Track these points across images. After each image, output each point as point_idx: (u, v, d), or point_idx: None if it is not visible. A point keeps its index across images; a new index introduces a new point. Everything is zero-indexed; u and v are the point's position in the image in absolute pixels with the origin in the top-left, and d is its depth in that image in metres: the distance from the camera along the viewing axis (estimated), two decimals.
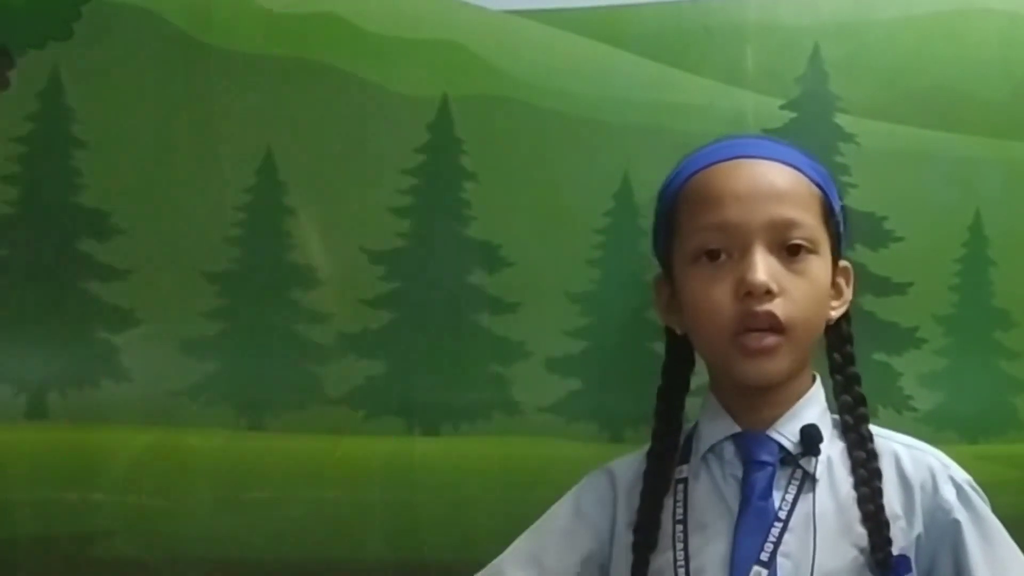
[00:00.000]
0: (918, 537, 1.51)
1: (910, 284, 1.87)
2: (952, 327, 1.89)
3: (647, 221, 1.74)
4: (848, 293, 1.60)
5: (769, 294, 1.48)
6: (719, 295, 1.50)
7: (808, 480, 1.51)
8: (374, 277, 1.86)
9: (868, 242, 1.84)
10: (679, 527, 1.53)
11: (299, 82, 1.86)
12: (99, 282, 1.85)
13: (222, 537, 1.84)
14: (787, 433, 1.54)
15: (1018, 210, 1.89)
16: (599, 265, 1.87)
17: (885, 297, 1.86)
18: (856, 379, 1.59)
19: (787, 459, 1.53)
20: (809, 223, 1.52)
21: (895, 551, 1.48)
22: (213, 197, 1.86)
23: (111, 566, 1.83)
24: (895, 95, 1.88)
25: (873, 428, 1.58)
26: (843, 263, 1.60)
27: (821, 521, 1.49)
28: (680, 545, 1.52)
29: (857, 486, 1.51)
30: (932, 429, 1.77)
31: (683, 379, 1.64)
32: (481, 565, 1.63)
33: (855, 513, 1.50)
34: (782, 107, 1.87)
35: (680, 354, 1.64)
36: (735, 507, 1.52)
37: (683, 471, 1.57)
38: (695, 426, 1.61)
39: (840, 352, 1.60)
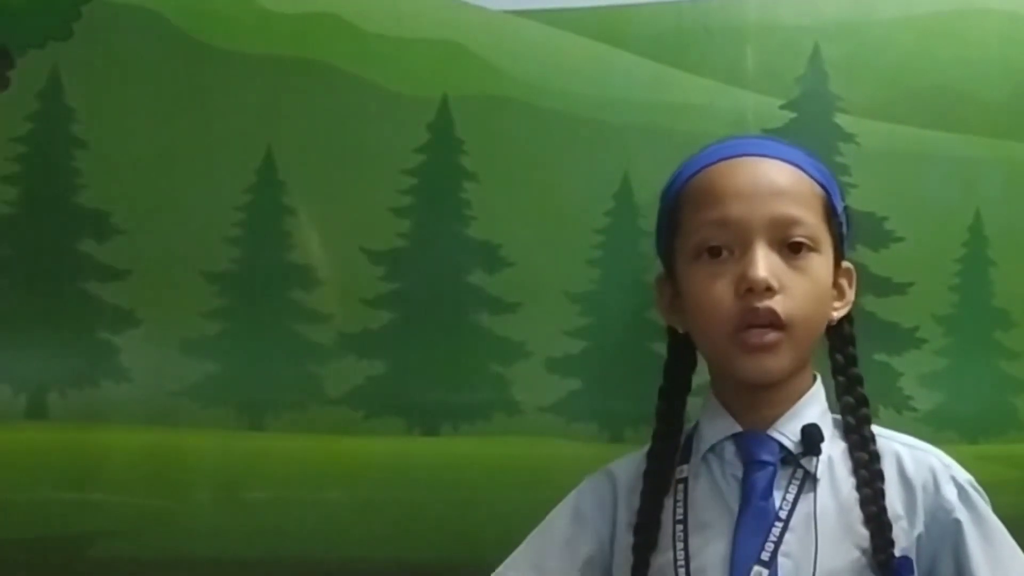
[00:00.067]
0: (919, 537, 1.50)
1: (910, 284, 1.87)
2: (952, 327, 1.88)
3: (647, 221, 1.73)
4: (850, 294, 1.59)
5: (770, 290, 1.47)
6: (720, 291, 1.49)
7: (809, 480, 1.50)
8: (374, 277, 1.86)
9: (868, 242, 1.83)
10: (679, 527, 1.52)
11: (299, 82, 1.85)
12: (99, 282, 1.84)
13: (222, 537, 1.83)
14: (788, 432, 1.52)
15: (1018, 210, 1.89)
16: (599, 265, 1.86)
17: (885, 297, 1.85)
18: (859, 380, 1.58)
19: (788, 459, 1.51)
20: (810, 221, 1.51)
21: (897, 552, 1.47)
22: (213, 197, 1.85)
23: (111, 567, 1.82)
24: (895, 95, 1.89)
25: (875, 428, 1.57)
26: (846, 264, 1.59)
27: (822, 521, 1.47)
28: (680, 545, 1.51)
29: (859, 487, 1.50)
30: (932, 429, 1.77)
31: (685, 379, 1.63)
32: (481, 566, 1.62)
33: (857, 513, 1.49)
34: (782, 107, 1.87)
35: (682, 354, 1.63)
36: (735, 507, 1.50)
37: (683, 471, 1.56)
38: (695, 426, 1.60)
39: (842, 353, 1.59)
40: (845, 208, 1.60)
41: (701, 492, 1.53)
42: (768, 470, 1.51)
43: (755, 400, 1.53)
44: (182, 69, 1.85)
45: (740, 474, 1.52)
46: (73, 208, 1.84)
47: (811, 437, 1.51)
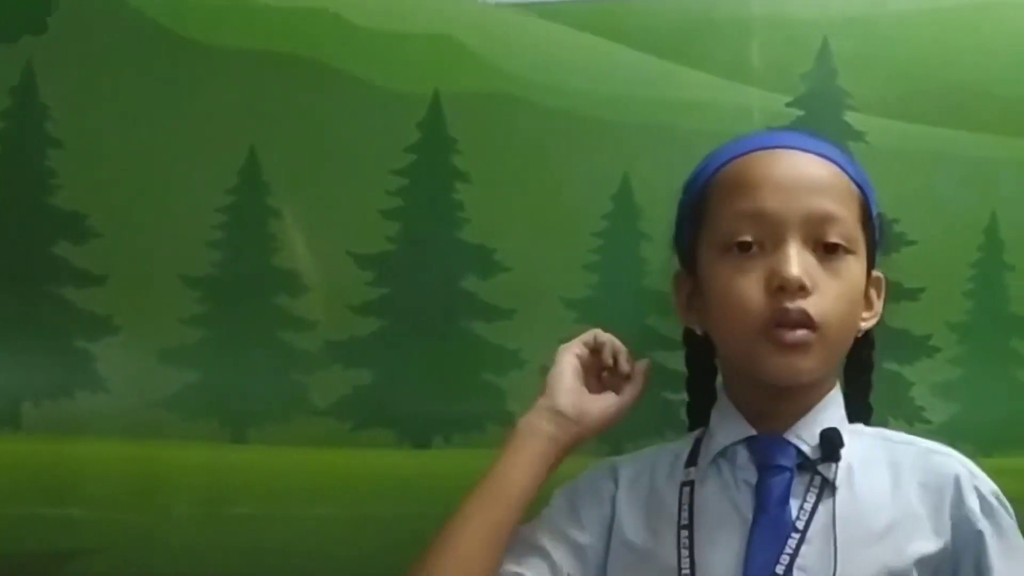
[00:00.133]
0: (944, 546, 1.44)
1: (923, 290, 1.83)
2: (966, 335, 1.84)
3: (648, 224, 1.73)
4: (878, 306, 1.54)
5: (803, 290, 1.41)
6: (749, 287, 1.43)
7: (827, 488, 1.45)
8: (362, 282, 1.83)
9: (880, 245, 1.77)
10: (684, 532, 1.46)
11: (283, 78, 1.84)
12: (74, 287, 1.83)
13: (204, 555, 1.81)
14: (806, 437, 1.47)
15: None
16: (597, 270, 1.83)
17: (896, 303, 1.78)
18: (868, 412, 1.57)
19: (805, 465, 1.46)
20: (848, 221, 1.46)
21: (916, 548, 1.42)
22: (194, 199, 1.83)
23: None
24: (907, 92, 1.85)
25: (897, 434, 1.54)
26: (876, 273, 1.53)
27: (842, 532, 1.41)
28: (685, 552, 1.45)
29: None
30: (946, 441, 1.69)
31: (710, 388, 1.58)
32: None
33: (877, 522, 1.43)
34: (789, 104, 1.84)
35: (702, 361, 1.59)
36: (748, 515, 1.45)
37: (690, 474, 1.51)
38: (705, 429, 1.55)
39: (856, 378, 1.57)
40: (879, 215, 1.55)
41: (710, 497, 1.48)
42: (784, 476, 1.45)
43: (772, 403, 1.48)
44: (161, 65, 1.84)
45: (753, 480, 1.46)
46: (48, 210, 1.83)
47: (831, 442, 1.46)
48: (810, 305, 1.41)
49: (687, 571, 1.43)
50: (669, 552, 1.46)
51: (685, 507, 1.48)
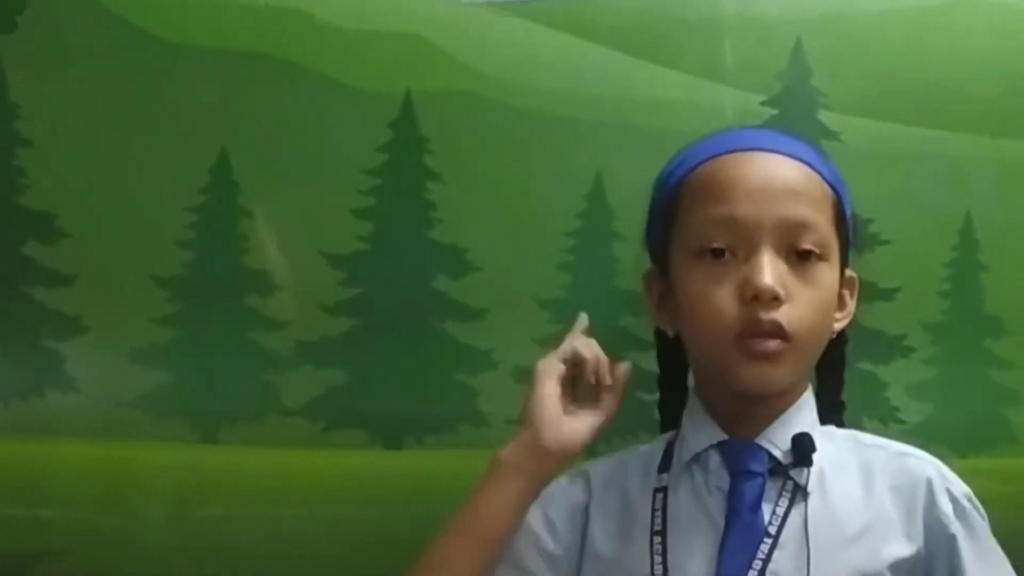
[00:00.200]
0: (918, 551, 1.42)
1: (897, 290, 1.84)
2: (941, 335, 1.86)
3: (621, 223, 1.72)
4: (851, 306, 1.52)
5: (776, 300, 1.39)
6: (722, 296, 1.40)
7: (799, 492, 1.42)
8: (334, 282, 1.82)
9: (855, 245, 1.76)
10: (657, 539, 1.44)
11: (254, 77, 1.83)
12: (44, 287, 1.81)
13: (175, 557, 1.79)
14: (778, 442, 1.44)
15: (1011, 212, 1.86)
16: (570, 270, 1.83)
17: (871, 304, 1.76)
18: (840, 408, 1.54)
19: (777, 470, 1.44)
20: (821, 226, 1.43)
21: (889, 552, 1.40)
22: (164, 198, 1.81)
23: None
24: (881, 91, 1.86)
25: (869, 437, 1.51)
26: (849, 273, 1.51)
27: (814, 536, 1.39)
28: (658, 559, 1.43)
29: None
30: (920, 442, 1.68)
31: (682, 385, 1.55)
32: None
33: (850, 526, 1.41)
34: (763, 103, 1.84)
35: (674, 359, 1.56)
36: (720, 520, 1.42)
37: (663, 480, 1.48)
38: (677, 433, 1.52)
39: (828, 376, 1.53)
40: (852, 214, 1.53)
41: (683, 503, 1.45)
42: (756, 481, 1.43)
43: (744, 408, 1.45)
44: (132, 64, 1.82)
45: (726, 486, 1.44)
46: (17, 209, 1.81)
47: (802, 447, 1.43)
48: (782, 315, 1.38)
49: None
50: (642, 558, 1.44)
51: (658, 513, 1.45)
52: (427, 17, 1.83)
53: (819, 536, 1.39)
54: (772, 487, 1.42)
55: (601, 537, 1.48)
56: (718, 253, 1.41)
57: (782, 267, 1.40)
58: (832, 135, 1.81)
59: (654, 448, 1.53)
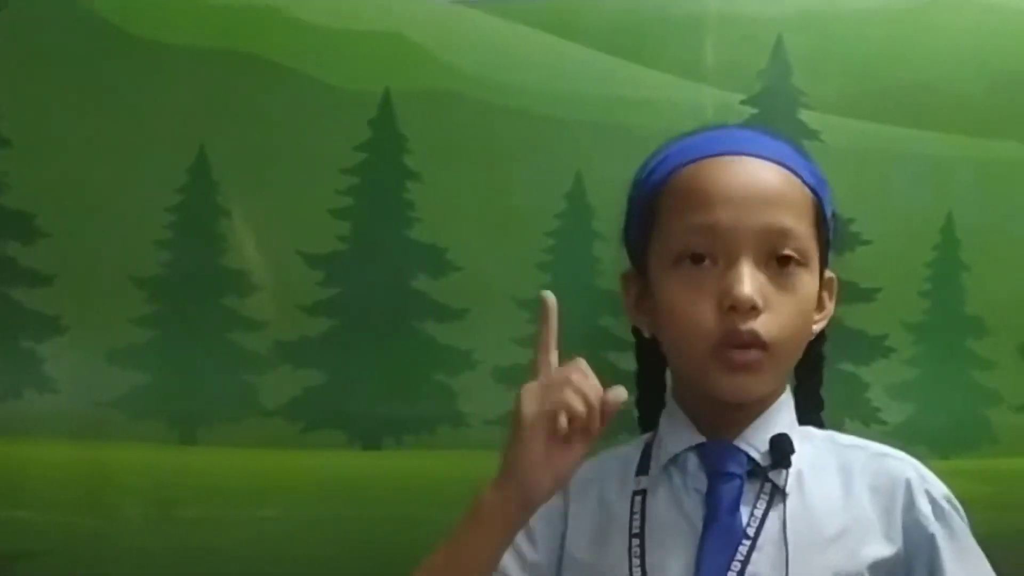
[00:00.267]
0: (897, 552, 1.40)
1: (878, 290, 1.84)
2: (922, 335, 1.86)
3: (601, 223, 1.72)
4: (830, 307, 1.50)
5: (754, 310, 1.37)
6: (701, 306, 1.38)
7: (778, 494, 1.40)
8: (312, 282, 1.82)
9: (835, 245, 1.75)
10: (635, 541, 1.41)
11: (234, 76, 1.82)
12: (22, 288, 1.80)
13: (153, 558, 1.78)
14: (756, 443, 1.42)
15: (992, 212, 1.87)
16: (550, 269, 1.82)
17: (852, 304, 1.80)
18: (820, 405, 1.51)
19: (755, 471, 1.41)
20: (802, 233, 1.41)
21: (868, 553, 1.38)
22: (143, 198, 1.80)
23: None
24: (863, 90, 1.86)
25: (848, 438, 1.48)
26: (828, 274, 1.49)
27: (793, 538, 1.37)
28: (637, 561, 1.40)
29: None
30: (901, 443, 1.66)
31: (660, 383, 1.53)
32: None
33: (829, 527, 1.39)
34: (743, 102, 1.84)
35: (652, 357, 1.53)
36: (698, 523, 1.40)
37: (641, 482, 1.45)
38: (655, 434, 1.50)
39: (807, 374, 1.50)
40: (833, 214, 1.50)
41: (661, 506, 1.43)
42: (735, 483, 1.41)
43: (722, 411, 1.43)
44: (111, 63, 1.81)
45: (703, 488, 1.42)
46: None
47: (781, 448, 1.41)
48: (761, 325, 1.36)
49: None
50: (620, 561, 1.41)
51: (636, 516, 1.43)
52: (406, 16, 1.82)
53: (798, 537, 1.37)
54: (750, 489, 1.40)
55: (579, 541, 1.46)
56: (698, 259, 1.39)
57: (761, 276, 1.38)
58: (812, 134, 1.81)
59: (631, 450, 1.51)
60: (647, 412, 1.54)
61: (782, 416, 1.45)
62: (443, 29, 1.82)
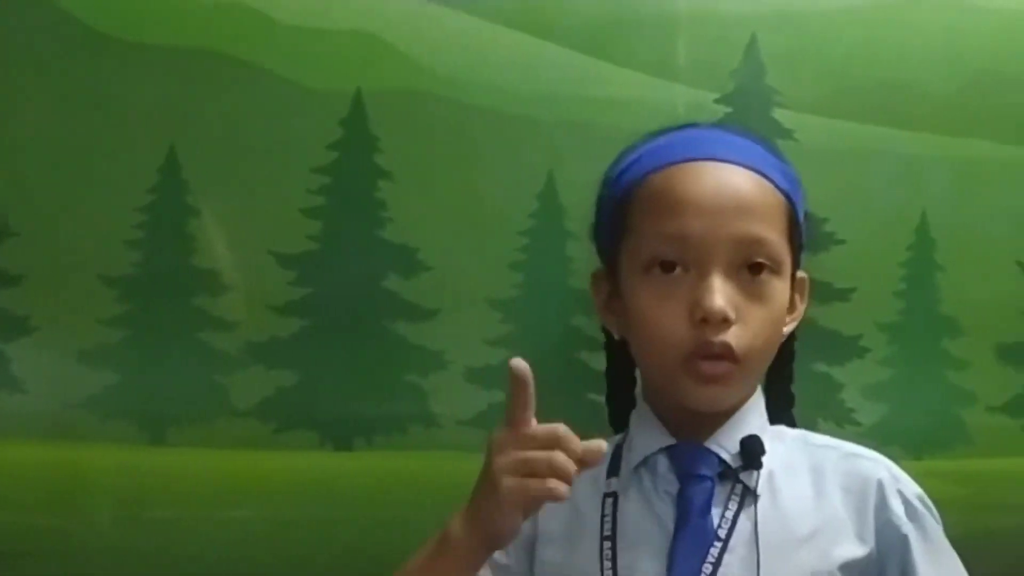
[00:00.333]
0: (870, 552, 1.41)
1: (852, 290, 1.84)
2: (897, 335, 1.86)
3: (573, 223, 1.70)
4: (801, 308, 1.51)
5: (726, 322, 1.37)
6: (672, 316, 1.39)
7: (749, 495, 1.41)
8: (283, 282, 1.80)
9: (808, 245, 1.74)
10: (607, 544, 1.42)
11: (204, 75, 1.80)
12: None
13: (124, 559, 1.77)
14: (727, 445, 1.43)
15: (967, 211, 1.86)
16: (522, 269, 1.81)
17: (826, 304, 1.80)
18: (791, 400, 1.52)
19: (726, 473, 1.42)
20: (774, 241, 1.41)
21: (841, 553, 1.39)
22: (113, 197, 1.78)
23: None
24: (837, 89, 1.85)
25: (820, 437, 1.50)
26: (800, 275, 1.49)
27: (764, 539, 1.38)
28: (608, 564, 1.41)
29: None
30: (875, 444, 1.67)
31: (630, 381, 1.54)
32: None
33: (801, 528, 1.40)
34: (716, 101, 1.83)
35: (622, 358, 1.54)
36: (670, 525, 1.40)
37: (612, 485, 1.46)
38: (625, 436, 1.50)
39: (779, 369, 1.51)
40: (806, 214, 1.51)
41: (632, 508, 1.44)
42: (706, 485, 1.41)
43: (692, 414, 1.44)
44: (80, 61, 1.79)
45: (674, 490, 1.42)
46: None
47: (751, 450, 1.42)
48: (732, 337, 1.37)
49: None
50: (592, 564, 1.42)
51: (608, 518, 1.44)
52: (379, 14, 1.80)
53: (769, 538, 1.38)
54: (721, 491, 1.41)
55: (550, 544, 1.47)
56: (669, 267, 1.39)
57: (733, 286, 1.38)
58: (786, 133, 1.80)
59: None
60: (617, 411, 1.54)
61: (753, 417, 1.45)
62: (415, 28, 1.80)
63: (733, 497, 1.40)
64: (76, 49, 1.78)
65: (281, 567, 1.78)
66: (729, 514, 1.39)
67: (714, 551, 1.37)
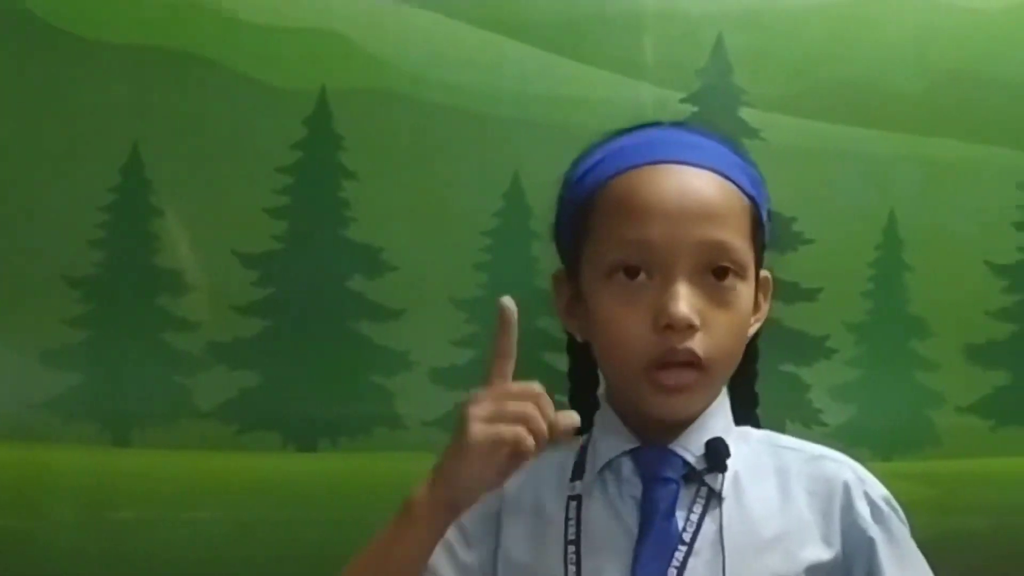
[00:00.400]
0: (836, 555, 1.36)
1: (820, 290, 1.83)
2: (864, 336, 1.86)
3: (539, 223, 1.66)
4: (766, 307, 1.46)
5: (691, 328, 1.33)
6: (635, 323, 1.34)
7: (714, 498, 1.36)
8: (247, 282, 1.80)
9: (775, 245, 1.72)
10: (571, 548, 1.37)
11: (167, 74, 1.80)
12: None
13: (86, 560, 1.76)
14: (691, 447, 1.38)
15: (935, 211, 1.86)
16: (487, 269, 1.81)
17: (793, 304, 1.79)
18: (755, 401, 1.47)
19: (691, 475, 1.37)
20: (738, 245, 1.37)
21: (806, 556, 1.34)
22: (75, 197, 1.79)
23: None
24: (803, 88, 1.84)
25: (786, 439, 1.44)
26: (763, 274, 1.45)
27: (730, 542, 1.34)
28: (573, 568, 1.36)
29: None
30: (843, 445, 1.64)
31: (593, 383, 1.48)
32: None
33: (766, 531, 1.36)
34: (683, 100, 1.83)
35: (584, 359, 1.49)
36: (634, 528, 1.36)
37: (576, 488, 1.41)
38: (589, 438, 1.46)
39: (743, 369, 1.46)
40: (769, 212, 1.46)
41: (596, 512, 1.39)
42: (670, 488, 1.37)
43: (656, 418, 1.40)
44: (42, 59, 1.79)
45: (639, 493, 1.38)
46: None
47: (716, 452, 1.37)
48: (697, 344, 1.32)
49: None
50: (556, 568, 1.37)
51: (572, 522, 1.39)
52: (342, 14, 1.80)
53: (734, 541, 1.34)
54: (686, 493, 1.36)
55: (515, 545, 1.42)
56: (632, 272, 1.35)
57: (697, 293, 1.34)
58: (753, 133, 1.80)
59: (567, 453, 1.48)
60: (581, 412, 1.51)
61: (718, 419, 1.41)
62: (379, 27, 1.80)
63: (698, 500, 1.36)
64: (39, 48, 1.78)
65: (245, 568, 1.76)
66: (694, 517, 1.35)
67: (679, 554, 1.33)
